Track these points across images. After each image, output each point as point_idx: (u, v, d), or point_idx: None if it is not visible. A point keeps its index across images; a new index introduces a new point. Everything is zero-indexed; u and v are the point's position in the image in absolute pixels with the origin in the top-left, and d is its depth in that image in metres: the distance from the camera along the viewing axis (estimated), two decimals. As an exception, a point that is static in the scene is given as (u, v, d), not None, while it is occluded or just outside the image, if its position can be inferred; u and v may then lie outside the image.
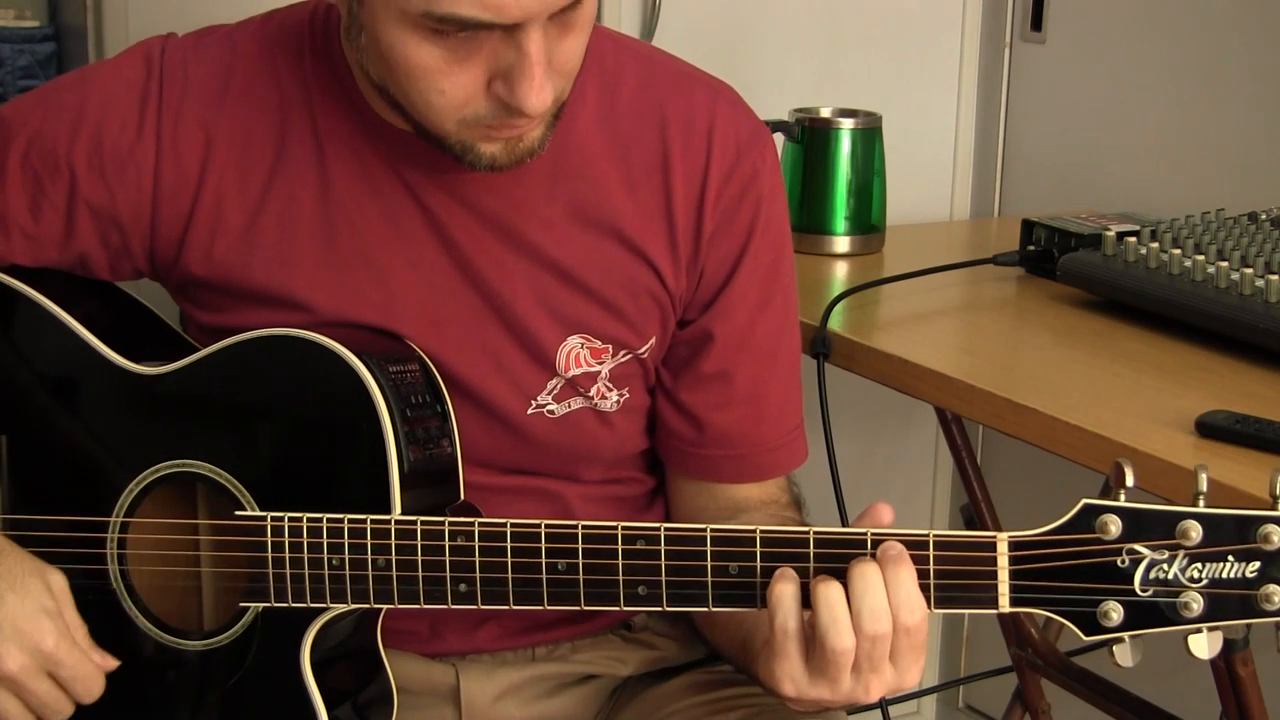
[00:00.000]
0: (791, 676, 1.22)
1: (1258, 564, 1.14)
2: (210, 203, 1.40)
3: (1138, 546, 1.16)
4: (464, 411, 1.40)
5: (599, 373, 1.43)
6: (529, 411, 1.43)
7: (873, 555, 1.20)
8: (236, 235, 1.40)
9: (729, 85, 1.49)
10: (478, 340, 1.41)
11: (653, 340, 1.45)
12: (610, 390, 1.44)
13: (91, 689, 1.35)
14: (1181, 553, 1.15)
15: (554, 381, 1.43)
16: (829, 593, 1.19)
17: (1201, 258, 1.78)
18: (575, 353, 1.42)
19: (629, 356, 1.44)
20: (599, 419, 1.45)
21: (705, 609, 1.25)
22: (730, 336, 1.45)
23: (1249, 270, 1.71)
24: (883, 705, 2.05)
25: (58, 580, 1.35)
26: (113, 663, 1.36)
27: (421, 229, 1.40)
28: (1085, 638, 1.18)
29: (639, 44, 1.52)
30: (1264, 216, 1.94)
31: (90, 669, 1.34)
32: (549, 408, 1.43)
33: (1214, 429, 1.47)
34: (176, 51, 1.42)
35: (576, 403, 1.44)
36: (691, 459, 1.49)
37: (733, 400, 1.47)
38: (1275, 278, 1.68)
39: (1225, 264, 1.74)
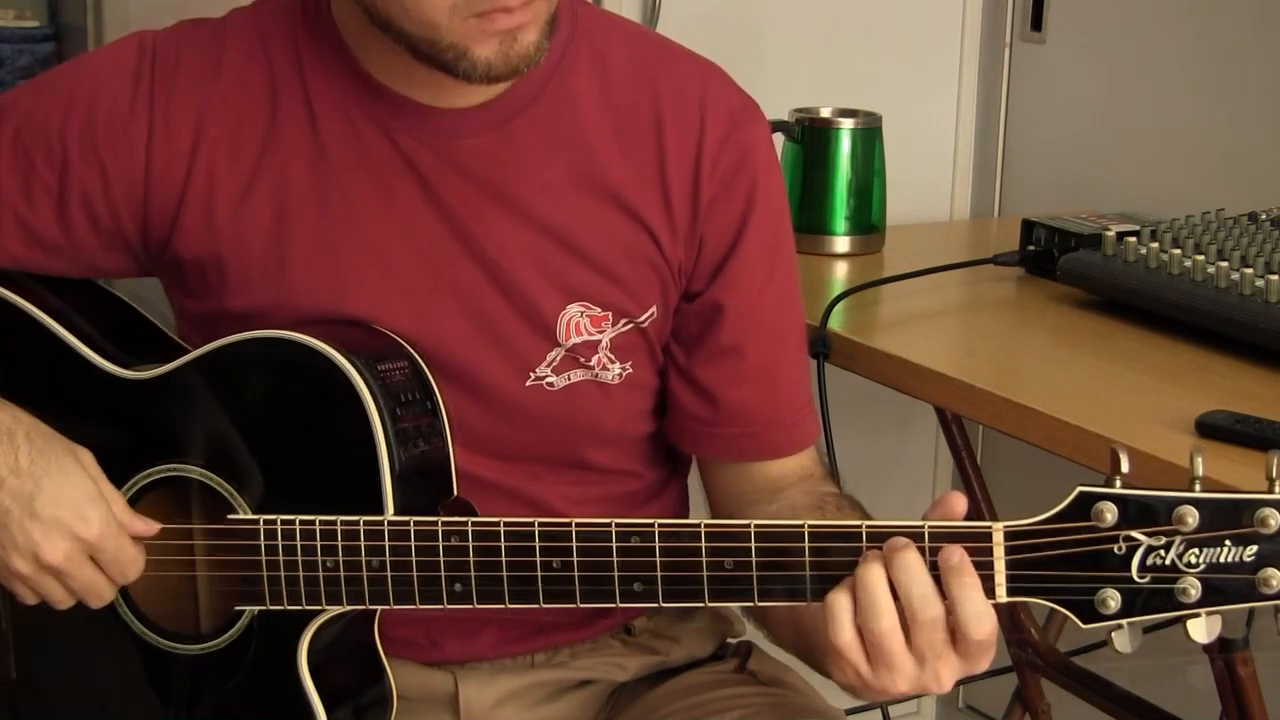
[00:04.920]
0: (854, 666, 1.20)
1: (1255, 548, 1.13)
2: (202, 180, 1.40)
3: (1134, 533, 1.15)
4: (459, 391, 1.39)
5: (599, 341, 1.43)
6: (527, 384, 1.42)
7: (934, 564, 1.18)
8: (229, 212, 1.40)
9: (718, 65, 1.49)
10: (475, 310, 1.41)
11: (653, 309, 1.44)
12: (612, 362, 1.44)
13: (128, 572, 1.33)
14: (1178, 538, 1.14)
15: (554, 352, 1.42)
16: (868, 575, 1.18)
17: (1201, 258, 1.77)
18: (575, 321, 1.42)
19: (629, 325, 1.44)
20: (600, 391, 1.45)
21: (701, 604, 1.25)
22: (739, 308, 1.45)
23: (1249, 270, 1.71)
24: (883, 705, 2.05)
25: (86, 456, 1.34)
26: (154, 527, 1.34)
27: (415, 196, 1.40)
28: (1084, 625, 1.17)
29: (627, 21, 1.54)
30: (1264, 216, 1.94)
31: (131, 552, 1.33)
32: (548, 380, 1.43)
33: (1214, 429, 1.47)
34: (169, 36, 1.43)
35: (577, 374, 1.43)
36: (705, 438, 1.49)
37: (745, 375, 1.46)
38: (1275, 278, 1.68)
39: (1225, 264, 1.73)
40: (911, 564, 1.17)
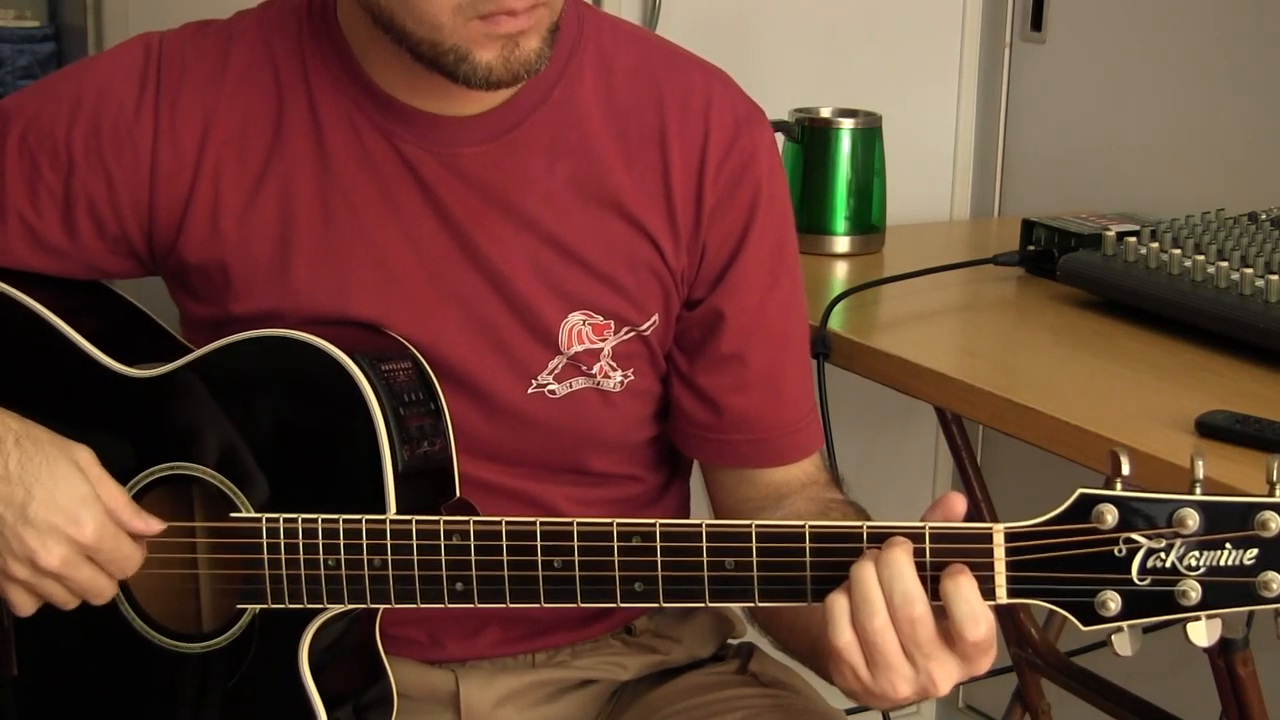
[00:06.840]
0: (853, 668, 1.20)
1: (1255, 551, 1.13)
2: (208, 185, 1.40)
3: (1135, 536, 1.15)
4: (462, 398, 1.40)
5: (601, 350, 1.43)
6: (529, 391, 1.42)
7: (932, 566, 1.18)
8: (235, 217, 1.40)
9: (722, 69, 1.49)
10: (478, 318, 1.41)
11: (655, 318, 1.44)
12: (614, 370, 1.44)
13: (126, 568, 1.33)
14: (1179, 541, 1.14)
15: (556, 360, 1.42)
16: (861, 573, 1.19)
17: (1201, 258, 1.77)
18: (577, 329, 1.42)
19: (631, 334, 1.44)
20: (602, 399, 1.45)
21: (702, 604, 1.25)
22: (741, 316, 1.45)
23: (1249, 270, 1.71)
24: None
25: (84, 455, 1.33)
26: (157, 525, 1.34)
27: (418, 204, 1.40)
28: (1084, 628, 1.17)
29: (633, 26, 1.53)
30: (1264, 216, 1.94)
31: (128, 549, 1.32)
32: (550, 387, 1.43)
33: (1214, 429, 1.47)
34: (175, 39, 1.43)
35: (579, 382, 1.43)
36: (710, 445, 1.49)
37: (749, 382, 1.46)
38: (1275, 278, 1.68)
39: (1225, 264, 1.74)
40: (896, 560, 1.18)
